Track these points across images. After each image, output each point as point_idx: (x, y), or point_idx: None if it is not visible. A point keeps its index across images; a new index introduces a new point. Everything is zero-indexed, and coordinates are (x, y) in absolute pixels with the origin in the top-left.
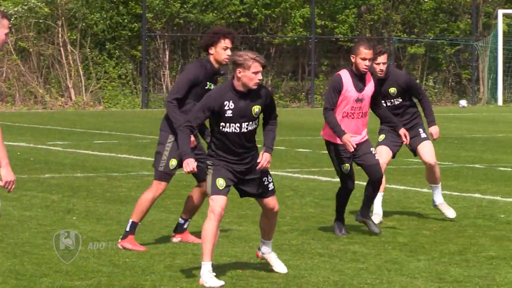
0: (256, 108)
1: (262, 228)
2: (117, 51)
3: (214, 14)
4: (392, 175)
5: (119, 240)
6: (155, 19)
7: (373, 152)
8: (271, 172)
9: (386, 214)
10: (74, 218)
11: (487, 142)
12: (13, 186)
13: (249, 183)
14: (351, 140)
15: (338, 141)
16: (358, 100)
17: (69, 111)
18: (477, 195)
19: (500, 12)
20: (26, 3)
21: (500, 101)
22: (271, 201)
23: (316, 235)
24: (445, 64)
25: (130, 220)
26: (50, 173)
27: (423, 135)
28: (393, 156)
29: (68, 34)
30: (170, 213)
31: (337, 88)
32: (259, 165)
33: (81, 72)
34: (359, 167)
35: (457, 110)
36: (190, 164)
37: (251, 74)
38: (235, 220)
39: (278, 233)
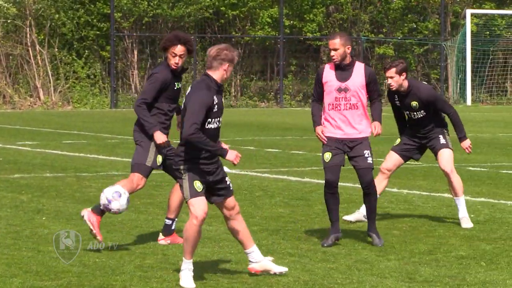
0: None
1: (240, 239)
2: (85, 51)
3: (182, 9)
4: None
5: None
6: (123, 19)
7: (366, 155)
8: (240, 172)
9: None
10: (43, 218)
11: (456, 142)
12: None
13: (216, 184)
14: (323, 132)
15: (325, 131)
16: (341, 90)
17: (38, 111)
18: (446, 195)
19: (468, 12)
20: None
21: (469, 101)
22: (232, 201)
23: (286, 235)
24: (413, 64)
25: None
26: (19, 173)
27: (442, 140)
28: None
29: (36, 34)
30: (140, 213)
31: (318, 79)
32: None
33: (50, 72)
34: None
35: None
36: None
37: (231, 69)
38: (205, 220)
39: None
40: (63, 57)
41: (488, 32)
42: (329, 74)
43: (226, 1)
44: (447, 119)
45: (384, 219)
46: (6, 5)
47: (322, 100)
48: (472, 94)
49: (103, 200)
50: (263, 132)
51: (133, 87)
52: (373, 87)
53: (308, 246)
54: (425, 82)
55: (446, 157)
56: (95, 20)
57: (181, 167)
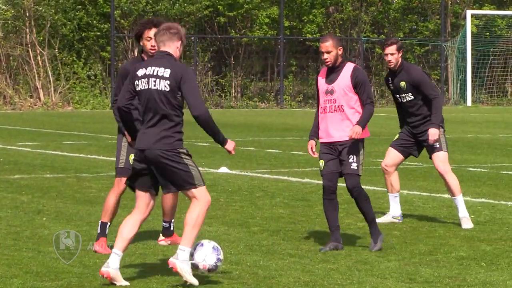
0: None
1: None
2: (85, 52)
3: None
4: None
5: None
6: (122, 18)
7: (350, 160)
8: (241, 173)
9: (355, 214)
10: (44, 219)
11: (456, 142)
12: None
13: None
14: (312, 148)
15: (320, 138)
16: (328, 92)
17: (38, 112)
18: (447, 195)
19: (469, 12)
20: None
21: (469, 102)
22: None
23: (286, 236)
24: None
25: (99, 222)
26: (20, 174)
27: (436, 145)
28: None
29: (36, 35)
30: None
31: (316, 83)
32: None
33: (50, 73)
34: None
35: None
36: None
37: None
38: (205, 221)
39: (248, 233)
40: (64, 58)
41: (488, 33)
42: (321, 75)
43: (223, 1)
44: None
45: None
46: (4, 7)
47: None
48: (472, 94)
49: (211, 262)
50: (264, 133)
51: None
52: (361, 89)
53: (309, 247)
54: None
55: (440, 158)
56: (95, 21)
57: (182, 150)
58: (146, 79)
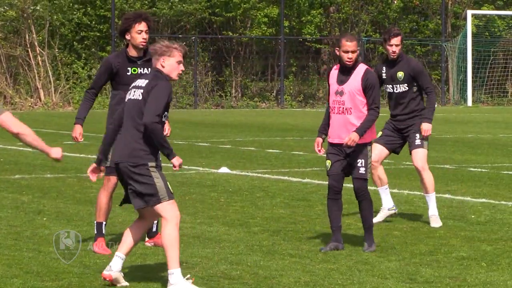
0: None
1: (129, 241)
2: (85, 52)
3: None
4: None
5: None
6: (120, 19)
7: (359, 165)
8: (241, 173)
9: (356, 215)
10: (44, 219)
11: (456, 142)
12: None
13: None
14: (318, 145)
15: (329, 137)
16: (338, 93)
17: (39, 112)
18: (447, 195)
19: (469, 12)
20: None
21: (469, 102)
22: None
23: (286, 236)
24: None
25: (95, 222)
26: (20, 174)
27: (418, 141)
28: (394, 152)
29: (36, 36)
30: None
31: (328, 80)
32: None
33: (50, 73)
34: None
35: None
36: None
37: (175, 63)
38: (206, 221)
39: (249, 233)
40: (64, 58)
41: (487, 33)
42: (333, 75)
43: (220, 3)
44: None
45: (385, 220)
46: (2, 9)
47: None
48: (473, 95)
49: None
50: (264, 133)
51: None
52: (369, 92)
53: (309, 247)
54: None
55: (420, 155)
56: (93, 22)
57: (151, 163)
58: (130, 90)
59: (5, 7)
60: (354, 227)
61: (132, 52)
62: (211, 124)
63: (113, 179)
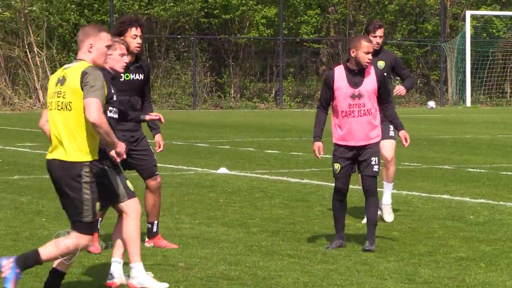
0: None
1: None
2: None
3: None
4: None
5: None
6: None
7: (373, 162)
8: (240, 174)
9: (355, 215)
10: (43, 219)
11: (455, 143)
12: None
13: None
14: (320, 149)
15: (334, 139)
16: (355, 97)
17: (38, 113)
18: (446, 196)
19: (468, 13)
20: None
21: (468, 102)
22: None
23: (285, 236)
24: (413, 65)
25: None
26: (19, 174)
27: (392, 133)
28: None
29: (33, 36)
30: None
31: (328, 84)
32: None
33: (49, 74)
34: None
35: (425, 112)
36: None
37: (117, 56)
38: (205, 222)
39: (248, 234)
40: (62, 59)
41: (485, 34)
42: (340, 78)
43: (218, 5)
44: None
45: (383, 220)
46: None
47: (328, 107)
48: (472, 95)
49: None
50: (263, 134)
51: None
52: (383, 88)
53: (308, 248)
54: None
55: (389, 146)
56: (91, 23)
57: (107, 163)
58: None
59: (3, 8)
60: (353, 228)
61: (127, 56)
62: (210, 124)
63: None
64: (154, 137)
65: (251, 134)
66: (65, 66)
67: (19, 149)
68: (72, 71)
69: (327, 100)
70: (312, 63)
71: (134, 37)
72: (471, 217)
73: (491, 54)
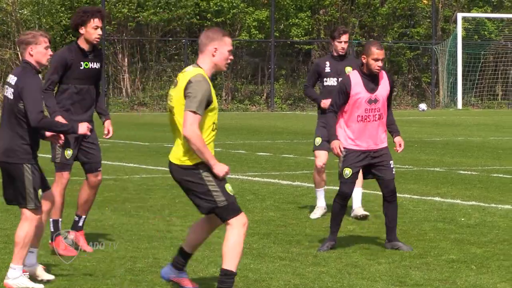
0: None
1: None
2: None
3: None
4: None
5: (49, 242)
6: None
7: (392, 166)
8: (231, 176)
9: (346, 218)
10: None
11: (446, 145)
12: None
13: None
14: (340, 146)
15: (345, 144)
16: (372, 101)
17: None
18: (437, 198)
19: (460, 15)
20: None
21: (459, 105)
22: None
23: (277, 239)
24: (405, 68)
25: (51, 220)
26: None
27: None
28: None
29: None
30: (131, 217)
31: (344, 90)
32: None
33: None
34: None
35: (416, 114)
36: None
37: (43, 49)
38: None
39: None
40: None
41: (476, 36)
42: (357, 84)
43: (211, 9)
44: None
45: (375, 222)
46: None
47: (339, 111)
48: (463, 98)
49: None
50: (254, 136)
51: (124, 91)
52: (392, 94)
53: (299, 250)
54: None
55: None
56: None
57: (26, 164)
58: (5, 85)
59: None
60: (344, 230)
61: (84, 46)
62: None
63: (66, 175)
64: (103, 123)
65: (243, 137)
66: (185, 69)
67: None
68: (184, 76)
69: (339, 105)
70: (303, 65)
71: (95, 28)
72: (462, 219)
73: (482, 57)
